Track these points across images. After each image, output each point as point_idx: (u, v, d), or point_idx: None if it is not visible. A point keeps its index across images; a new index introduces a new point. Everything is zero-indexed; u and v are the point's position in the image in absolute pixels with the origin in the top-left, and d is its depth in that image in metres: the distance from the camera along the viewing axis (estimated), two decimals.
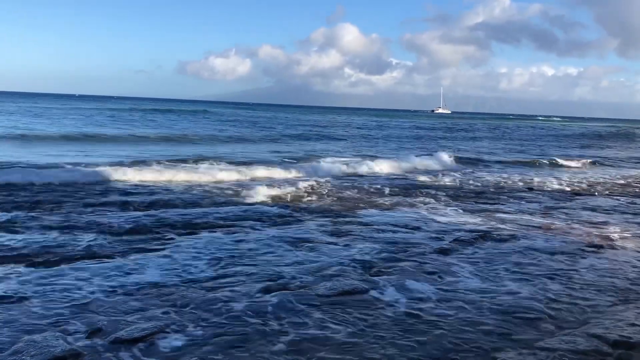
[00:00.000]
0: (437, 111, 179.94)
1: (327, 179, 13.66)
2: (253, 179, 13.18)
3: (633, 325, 4.64)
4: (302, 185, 12.18)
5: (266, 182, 12.36)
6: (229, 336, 4.16)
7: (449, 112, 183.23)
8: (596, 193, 13.25)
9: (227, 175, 13.30)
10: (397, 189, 12.47)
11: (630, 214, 10.33)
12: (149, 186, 11.41)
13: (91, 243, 6.63)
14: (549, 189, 13.70)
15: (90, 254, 6.17)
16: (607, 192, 13.60)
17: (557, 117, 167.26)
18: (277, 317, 4.54)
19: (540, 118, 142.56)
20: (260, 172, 14.07)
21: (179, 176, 12.67)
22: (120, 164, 13.73)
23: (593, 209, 10.68)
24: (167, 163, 14.64)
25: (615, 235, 8.27)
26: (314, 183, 12.65)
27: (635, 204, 11.67)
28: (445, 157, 19.44)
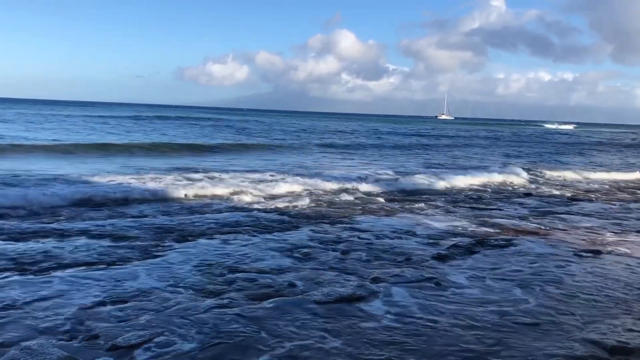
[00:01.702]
0: (440, 117, 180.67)
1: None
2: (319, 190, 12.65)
3: (630, 330, 4.64)
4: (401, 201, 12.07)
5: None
6: (225, 343, 4.14)
7: (452, 118, 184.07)
8: (594, 198, 13.26)
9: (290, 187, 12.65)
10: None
11: (626, 219, 10.34)
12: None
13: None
14: (546, 194, 13.71)
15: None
16: (604, 197, 13.62)
17: (570, 123, 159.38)
18: (273, 325, 4.53)
19: (552, 125, 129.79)
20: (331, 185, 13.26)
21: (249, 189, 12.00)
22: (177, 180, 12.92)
23: (590, 214, 10.70)
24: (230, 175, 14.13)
25: (612, 240, 8.28)
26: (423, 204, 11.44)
27: (631, 209, 11.68)
28: (521, 170, 18.38)
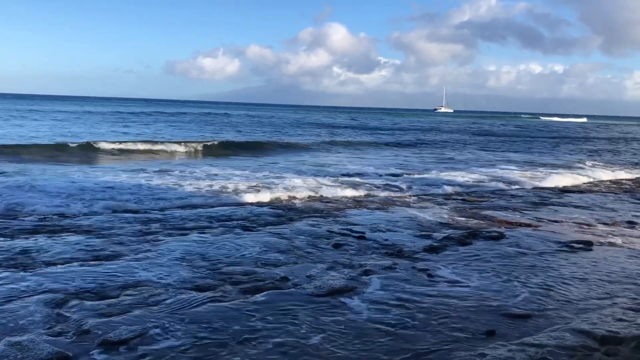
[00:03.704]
0: (439, 110, 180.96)
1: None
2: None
3: (620, 320, 4.67)
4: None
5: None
6: (216, 338, 4.13)
7: (451, 110, 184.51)
8: (585, 190, 13.33)
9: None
10: None
11: (617, 210, 10.41)
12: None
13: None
14: (538, 186, 13.76)
15: None
16: (595, 188, 13.69)
17: (582, 116, 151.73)
18: (264, 318, 4.52)
19: (563, 118, 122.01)
20: None
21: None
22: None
23: (581, 206, 10.76)
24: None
25: (603, 231, 8.34)
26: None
27: (623, 200, 11.76)
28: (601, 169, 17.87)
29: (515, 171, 16.89)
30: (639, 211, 10.36)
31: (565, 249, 7.15)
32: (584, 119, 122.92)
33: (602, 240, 7.71)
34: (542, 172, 16.63)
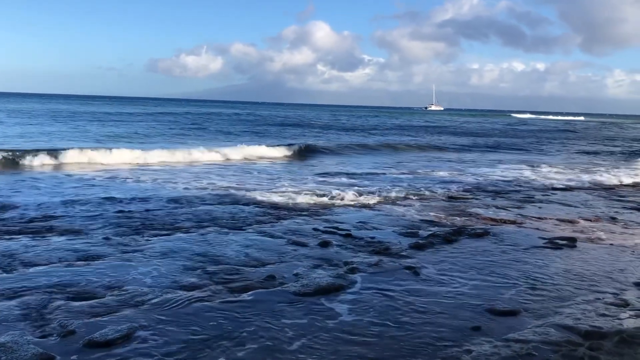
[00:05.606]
0: (430, 108, 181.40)
1: None
2: None
3: (603, 315, 4.74)
4: None
5: None
6: (203, 339, 4.11)
7: (442, 108, 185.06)
8: (572, 187, 13.46)
9: None
10: None
11: (602, 207, 10.53)
12: None
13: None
14: (527, 184, 13.86)
15: None
16: (583, 186, 13.83)
17: (578, 114, 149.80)
18: (251, 318, 4.52)
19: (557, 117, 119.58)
20: None
21: None
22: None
23: (567, 203, 10.87)
24: None
25: (587, 228, 8.43)
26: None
27: (608, 197, 11.90)
28: None
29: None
30: (619, 208, 10.50)
31: (549, 245, 7.22)
32: (582, 117, 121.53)
33: (585, 236, 7.80)
34: None
